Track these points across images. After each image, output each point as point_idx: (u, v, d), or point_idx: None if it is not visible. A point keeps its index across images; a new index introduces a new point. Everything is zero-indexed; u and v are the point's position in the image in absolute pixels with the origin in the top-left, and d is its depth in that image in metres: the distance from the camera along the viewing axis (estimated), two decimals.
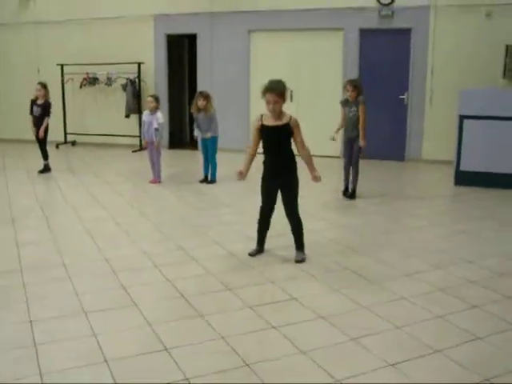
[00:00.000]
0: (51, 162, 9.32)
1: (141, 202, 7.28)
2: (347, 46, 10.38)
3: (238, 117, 11.17)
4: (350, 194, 7.36)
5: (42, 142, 9.06)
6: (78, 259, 4.95)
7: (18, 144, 12.43)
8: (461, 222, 6.33)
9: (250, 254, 4.99)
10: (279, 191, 4.88)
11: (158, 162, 8.36)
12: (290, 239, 5.00)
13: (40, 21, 12.50)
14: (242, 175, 4.86)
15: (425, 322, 3.67)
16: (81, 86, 12.13)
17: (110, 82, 11.88)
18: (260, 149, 4.84)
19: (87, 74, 12.02)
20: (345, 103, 7.37)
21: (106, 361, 3.15)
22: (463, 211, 6.95)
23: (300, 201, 4.91)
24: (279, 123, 4.71)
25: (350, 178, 7.40)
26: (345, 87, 7.34)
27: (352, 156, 7.33)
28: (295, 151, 4.82)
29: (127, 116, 11.82)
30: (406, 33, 10.00)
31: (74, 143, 12.59)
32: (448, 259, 4.97)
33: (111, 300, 4.04)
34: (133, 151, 11.64)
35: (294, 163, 4.80)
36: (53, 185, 8.42)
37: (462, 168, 8.11)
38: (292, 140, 4.76)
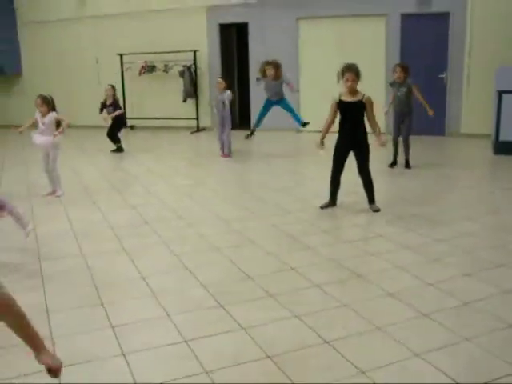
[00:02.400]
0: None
1: (220, 172, 8.33)
2: (389, 30, 11.27)
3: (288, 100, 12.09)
4: (405, 164, 8.24)
5: (114, 130, 10.16)
6: (189, 213, 6.00)
7: (80, 129, 13.55)
8: (504, 182, 7.29)
9: (321, 207, 5.97)
10: (352, 155, 5.85)
11: (228, 138, 9.33)
12: (356, 196, 6.00)
13: (98, 15, 13.54)
14: (319, 144, 5.87)
15: (487, 248, 4.67)
16: (140, 74, 13.17)
17: (167, 69, 12.91)
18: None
19: (145, 62, 13.06)
20: (393, 84, 8.32)
21: (250, 277, 4.18)
22: (505, 174, 7.88)
23: None
24: (355, 99, 5.69)
25: (399, 150, 8.33)
26: (394, 70, 8.27)
27: (401, 130, 8.24)
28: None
29: (184, 100, 12.87)
30: (444, 17, 10.85)
31: (132, 127, 13.66)
32: (495, 208, 5.97)
33: (233, 240, 5.09)
34: (191, 132, 12.68)
35: (365, 133, 5.78)
36: (133, 161, 9.50)
37: (500, 138, 9.00)
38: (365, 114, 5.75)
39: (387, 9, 11.15)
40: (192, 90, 12.77)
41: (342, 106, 5.77)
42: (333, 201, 6.07)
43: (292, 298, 3.79)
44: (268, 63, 9.32)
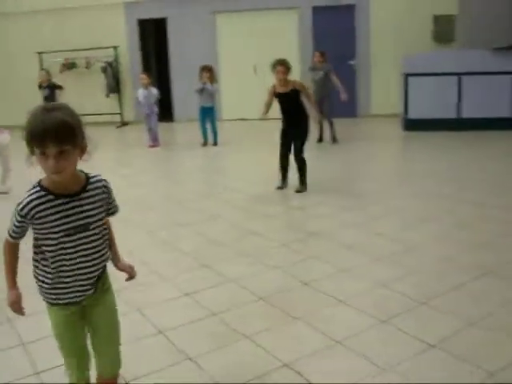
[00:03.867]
0: None
1: (161, 161, 8.80)
2: (302, 21, 12.10)
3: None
4: (332, 140, 9.23)
5: None
6: (143, 198, 6.47)
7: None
8: (415, 151, 8.38)
9: (279, 187, 6.50)
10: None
11: (156, 129, 9.82)
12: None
13: (11, 12, 13.39)
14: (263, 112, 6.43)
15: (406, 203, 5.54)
16: (60, 72, 13.21)
17: (88, 65, 13.06)
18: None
19: (66, 59, 13.13)
20: (312, 69, 9.23)
21: (223, 244, 4.76)
22: (414, 145, 8.95)
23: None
24: (287, 90, 6.25)
25: (324, 128, 9.26)
26: (313, 55, 9.21)
27: (324, 111, 9.09)
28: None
29: (108, 96, 13.09)
30: (351, 8, 11.83)
31: None
32: (410, 172, 6.91)
33: (198, 216, 5.64)
34: (117, 127, 12.94)
35: (304, 119, 6.29)
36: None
37: (409, 117, 10.07)
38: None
39: (299, 2, 11.96)
40: (115, 86, 13.02)
41: (277, 96, 6.31)
42: (284, 182, 6.49)
43: (263, 255, 4.42)
44: (205, 67, 9.63)
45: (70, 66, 13.13)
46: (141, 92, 9.77)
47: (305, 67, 11.36)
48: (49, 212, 1.95)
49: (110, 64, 12.92)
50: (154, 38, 14.19)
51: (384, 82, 11.87)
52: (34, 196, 1.95)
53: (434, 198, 5.79)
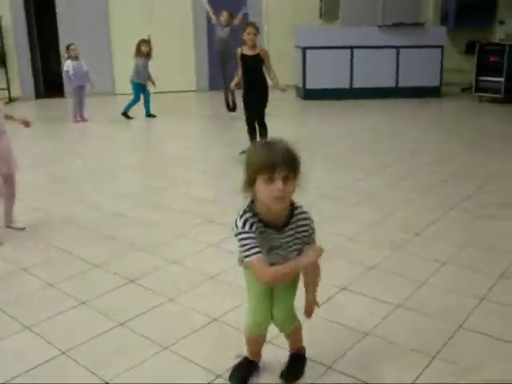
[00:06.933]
0: None
1: (98, 135, 8.88)
2: None
3: (101, 62, 12.46)
4: (232, 108, 9.72)
5: None
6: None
7: None
8: (311, 115, 9.73)
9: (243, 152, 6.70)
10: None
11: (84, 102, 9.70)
12: None
13: None
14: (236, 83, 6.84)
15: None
16: None
17: None
18: None
19: None
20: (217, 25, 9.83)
21: None
22: (313, 110, 10.06)
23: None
24: (254, 53, 6.51)
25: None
26: (221, 13, 9.79)
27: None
28: None
29: None
30: None
31: None
32: (306, 132, 7.93)
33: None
34: (5, 103, 12.30)
35: (265, 83, 6.61)
36: None
37: (307, 87, 10.97)
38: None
39: None
40: (0, 60, 12.38)
41: (243, 59, 6.44)
42: None
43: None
44: (144, 40, 9.62)
45: None
46: (69, 64, 9.43)
47: (199, 38, 11.91)
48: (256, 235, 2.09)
49: None
50: (39, 9, 13.55)
51: (276, 54, 12.60)
52: (248, 215, 2.08)
53: (366, 156, 6.72)
